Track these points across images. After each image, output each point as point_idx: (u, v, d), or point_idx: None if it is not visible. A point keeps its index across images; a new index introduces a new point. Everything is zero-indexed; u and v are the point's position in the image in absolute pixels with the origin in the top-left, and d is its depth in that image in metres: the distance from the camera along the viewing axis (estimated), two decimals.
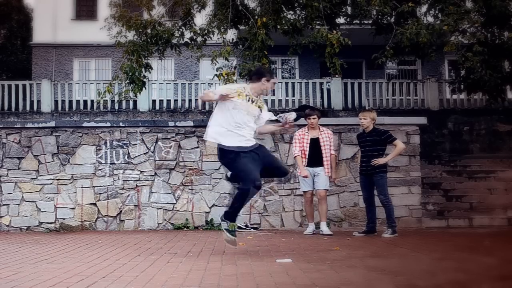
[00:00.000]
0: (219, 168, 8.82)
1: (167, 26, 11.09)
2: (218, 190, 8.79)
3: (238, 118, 5.11)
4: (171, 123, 9.08)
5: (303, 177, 7.52)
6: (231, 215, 5.15)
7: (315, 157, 7.53)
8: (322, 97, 16.09)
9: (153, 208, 8.76)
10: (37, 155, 8.85)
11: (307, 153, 7.57)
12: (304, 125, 7.79)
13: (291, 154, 8.75)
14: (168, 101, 16.55)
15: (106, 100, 14.50)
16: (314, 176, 7.56)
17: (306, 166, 7.55)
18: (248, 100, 5.16)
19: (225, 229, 5.12)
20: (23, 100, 16.53)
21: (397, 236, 7.08)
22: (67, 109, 16.29)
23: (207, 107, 15.86)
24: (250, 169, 5.03)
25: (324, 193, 7.58)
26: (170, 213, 8.74)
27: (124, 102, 15.23)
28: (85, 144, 8.89)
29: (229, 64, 10.62)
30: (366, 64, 19.06)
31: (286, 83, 16.71)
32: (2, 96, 16.55)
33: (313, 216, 7.71)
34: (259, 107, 5.28)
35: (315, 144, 7.56)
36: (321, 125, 7.77)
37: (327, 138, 7.57)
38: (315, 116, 7.60)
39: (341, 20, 12.30)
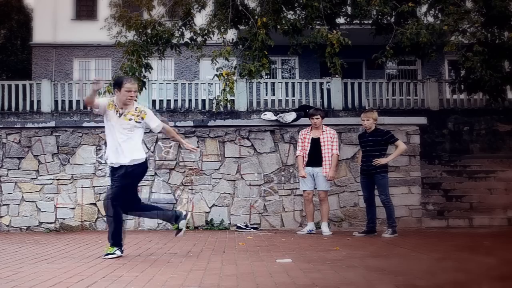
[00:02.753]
0: (219, 168, 8.82)
1: (167, 26, 11.09)
2: (218, 190, 8.78)
3: (109, 134, 5.12)
4: (171, 123, 9.04)
5: (300, 176, 7.58)
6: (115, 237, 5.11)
7: (315, 157, 7.54)
8: (322, 97, 16.08)
9: None
10: (37, 155, 8.85)
11: (307, 152, 7.60)
12: (308, 125, 7.85)
13: (291, 154, 8.76)
14: (168, 101, 16.54)
15: None
16: (314, 176, 7.58)
17: (306, 165, 7.60)
18: (116, 113, 5.09)
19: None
20: (23, 100, 16.51)
21: (397, 236, 7.08)
22: (67, 109, 16.27)
23: (207, 107, 15.86)
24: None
25: (323, 194, 7.59)
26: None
27: None
28: (85, 144, 8.89)
29: (229, 64, 10.61)
30: (366, 64, 19.06)
31: (286, 83, 16.70)
32: (2, 96, 16.54)
33: (312, 215, 7.71)
34: (130, 119, 5.09)
35: (315, 144, 7.58)
36: (325, 125, 7.78)
37: (328, 138, 7.57)
38: (319, 116, 7.62)
39: (341, 20, 12.30)
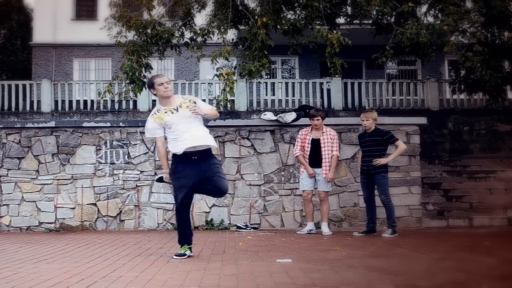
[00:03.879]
0: None
1: (167, 26, 11.08)
2: None
3: (178, 130, 5.07)
4: None
5: (309, 174, 7.53)
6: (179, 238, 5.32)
7: (315, 158, 7.53)
8: (322, 97, 16.08)
9: (153, 208, 8.76)
10: (37, 155, 8.85)
11: (307, 153, 7.59)
12: (308, 125, 7.83)
13: (291, 154, 8.76)
14: None
15: (106, 100, 14.50)
16: (314, 176, 7.56)
17: None
18: (171, 113, 5.04)
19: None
20: (23, 100, 16.52)
21: (397, 236, 7.08)
22: (67, 109, 16.28)
23: None
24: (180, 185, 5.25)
25: (324, 194, 7.59)
26: (170, 213, 8.73)
27: (124, 102, 15.23)
28: (85, 144, 8.89)
29: (229, 64, 10.61)
30: (366, 64, 19.06)
31: (286, 83, 16.71)
32: (2, 96, 16.54)
33: (312, 215, 7.70)
34: (187, 107, 5.06)
35: (316, 145, 7.56)
36: (325, 125, 7.76)
37: (328, 139, 7.55)
38: (319, 117, 7.59)
39: (341, 20, 12.29)
